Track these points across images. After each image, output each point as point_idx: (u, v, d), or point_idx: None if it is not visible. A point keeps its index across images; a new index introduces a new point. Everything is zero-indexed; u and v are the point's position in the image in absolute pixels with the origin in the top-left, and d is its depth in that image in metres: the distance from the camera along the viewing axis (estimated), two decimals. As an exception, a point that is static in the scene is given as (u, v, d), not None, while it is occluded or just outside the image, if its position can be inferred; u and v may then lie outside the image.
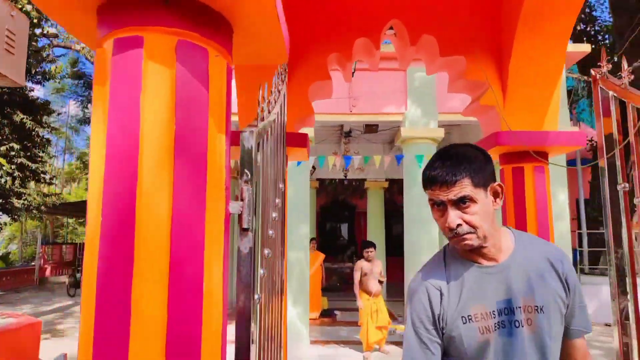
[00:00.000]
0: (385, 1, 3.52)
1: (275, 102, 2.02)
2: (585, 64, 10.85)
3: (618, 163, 2.13)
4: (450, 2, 3.51)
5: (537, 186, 3.42)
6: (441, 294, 1.33)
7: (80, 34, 1.53)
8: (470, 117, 7.78)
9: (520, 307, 1.29)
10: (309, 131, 7.51)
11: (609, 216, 2.16)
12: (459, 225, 1.27)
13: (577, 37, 13.73)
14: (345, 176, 12.13)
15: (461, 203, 1.27)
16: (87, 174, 18.43)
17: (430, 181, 1.31)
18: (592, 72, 2.09)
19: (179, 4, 1.30)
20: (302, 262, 7.39)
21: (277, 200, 2.09)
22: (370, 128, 9.08)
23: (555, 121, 3.49)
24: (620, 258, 2.14)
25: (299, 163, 7.11)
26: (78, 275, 15.25)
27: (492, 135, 3.47)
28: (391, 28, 3.71)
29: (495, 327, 1.28)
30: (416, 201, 7.45)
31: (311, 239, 10.29)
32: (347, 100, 7.71)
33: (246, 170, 1.45)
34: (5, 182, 12.83)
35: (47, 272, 19.23)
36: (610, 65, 2.05)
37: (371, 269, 7.04)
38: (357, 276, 7.07)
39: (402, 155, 7.73)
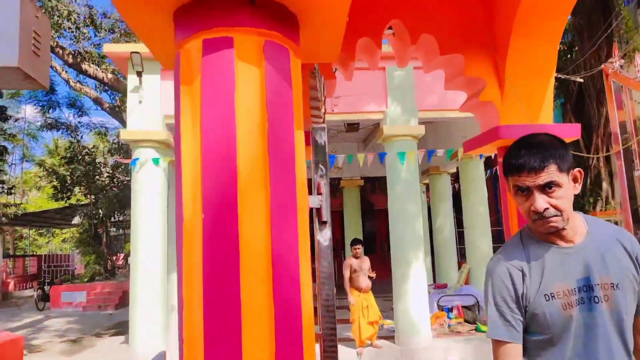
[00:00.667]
0: (386, 2, 3.66)
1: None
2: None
3: (635, 148, 2.33)
4: (448, 2, 3.68)
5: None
6: (523, 274, 1.43)
7: (150, 38, 1.56)
8: (447, 114, 8.07)
9: (598, 284, 1.40)
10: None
11: (625, 199, 2.36)
12: (546, 209, 1.38)
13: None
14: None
15: (547, 188, 1.38)
16: (51, 181, 17.79)
17: (517, 169, 1.41)
18: (604, 66, 2.29)
19: (264, 5, 1.37)
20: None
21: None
22: (352, 127, 9.24)
23: (549, 114, 3.71)
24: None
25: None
26: (47, 288, 14.71)
27: (492, 130, 3.66)
28: (390, 28, 3.86)
29: (576, 302, 1.39)
30: (400, 197, 7.64)
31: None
32: (328, 100, 7.83)
33: (321, 165, 1.53)
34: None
35: (11, 287, 18.43)
36: (623, 61, 2.25)
37: (360, 265, 7.19)
38: (346, 273, 7.20)
39: (384, 153, 7.90)
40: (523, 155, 1.42)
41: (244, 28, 1.35)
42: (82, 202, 17.74)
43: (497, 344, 1.45)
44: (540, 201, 1.39)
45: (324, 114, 1.85)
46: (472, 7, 3.67)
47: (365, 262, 7.27)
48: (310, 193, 1.57)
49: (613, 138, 2.45)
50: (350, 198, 13.80)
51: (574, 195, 1.46)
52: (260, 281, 1.27)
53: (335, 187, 14.73)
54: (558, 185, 1.39)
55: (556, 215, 1.40)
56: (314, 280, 1.95)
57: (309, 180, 2.03)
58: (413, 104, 7.91)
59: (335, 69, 7.44)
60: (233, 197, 1.27)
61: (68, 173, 16.58)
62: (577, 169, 1.46)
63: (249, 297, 1.24)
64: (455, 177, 12.31)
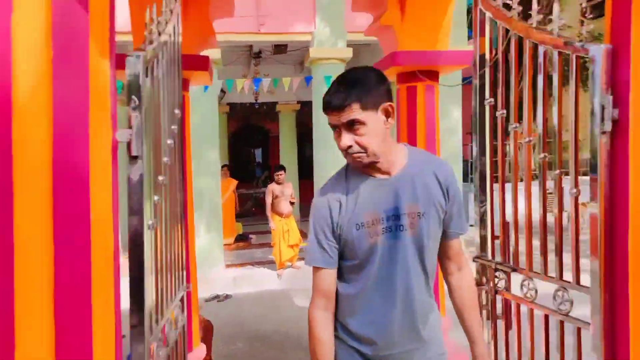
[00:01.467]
0: None
1: (166, 23, 1.99)
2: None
3: (488, 80, 2.39)
4: None
5: (427, 104, 3.69)
6: (340, 205, 1.51)
7: None
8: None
9: (405, 214, 1.50)
10: (215, 53, 7.27)
11: (476, 130, 2.46)
12: (349, 146, 1.43)
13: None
14: (256, 100, 12.00)
15: (351, 125, 1.42)
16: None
17: (325, 106, 1.47)
18: None
19: None
20: (212, 189, 7.44)
21: (172, 127, 2.11)
22: (280, 48, 8.96)
23: (446, 40, 3.72)
24: (483, 165, 2.48)
25: (206, 88, 6.94)
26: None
27: (388, 56, 3.64)
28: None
29: (383, 231, 1.49)
30: (324, 123, 7.57)
31: (223, 166, 10.28)
32: (255, 18, 7.49)
33: (133, 97, 1.46)
34: None
35: None
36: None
37: (282, 191, 7.30)
38: (268, 199, 7.31)
39: (311, 76, 7.79)
40: (330, 94, 1.46)
41: None
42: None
43: (315, 270, 1.57)
44: (345, 139, 1.45)
45: (155, 37, 1.75)
46: None
47: (288, 188, 7.38)
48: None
49: (472, 70, 2.51)
50: (286, 123, 13.70)
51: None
52: (38, 222, 1.23)
53: (272, 111, 14.54)
54: (361, 122, 1.42)
55: (360, 152, 1.45)
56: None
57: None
58: (342, 26, 7.72)
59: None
60: (7, 131, 1.20)
61: None
62: (388, 103, 1.47)
63: (23, 239, 1.21)
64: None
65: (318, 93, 7.72)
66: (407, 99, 3.71)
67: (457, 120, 8.78)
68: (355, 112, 1.41)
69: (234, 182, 10.49)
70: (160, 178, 1.84)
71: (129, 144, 1.49)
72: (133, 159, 1.51)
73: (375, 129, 1.45)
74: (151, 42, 1.72)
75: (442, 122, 7.50)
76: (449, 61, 3.57)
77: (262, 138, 19.01)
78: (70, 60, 1.29)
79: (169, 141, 2.03)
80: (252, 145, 19.49)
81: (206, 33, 3.43)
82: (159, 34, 1.79)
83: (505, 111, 2.33)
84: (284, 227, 7.23)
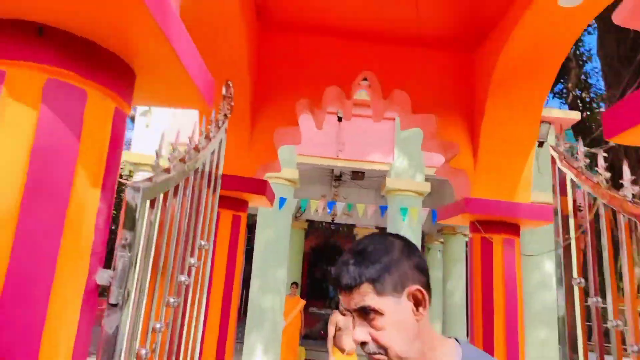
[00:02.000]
0: (359, 51, 3.43)
1: (200, 150, 1.86)
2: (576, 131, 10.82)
3: (574, 254, 1.93)
4: (423, 59, 3.42)
5: (505, 259, 3.22)
6: None
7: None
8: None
9: None
10: (294, 172, 7.38)
11: (565, 298, 1.95)
12: (363, 343, 1.02)
13: (572, 103, 13.80)
14: (333, 220, 11.91)
15: (366, 314, 1.01)
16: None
17: (333, 284, 1.06)
18: (551, 150, 1.94)
19: (56, 36, 1.16)
20: (276, 308, 7.07)
21: (192, 260, 1.88)
22: (357, 174, 8.95)
23: (527, 192, 3.32)
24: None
25: (281, 205, 6.93)
26: None
27: (461, 201, 3.30)
28: (366, 79, 3.62)
29: None
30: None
31: (292, 283, 9.94)
32: (334, 144, 7.62)
33: (126, 233, 1.26)
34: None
35: None
36: (568, 145, 1.90)
37: (346, 323, 6.71)
38: (331, 330, 6.72)
39: (386, 206, 7.55)
40: (340, 267, 1.06)
41: (24, 62, 1.14)
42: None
43: None
44: (357, 332, 1.02)
45: (176, 164, 1.59)
46: (449, 66, 3.39)
47: (351, 320, 6.78)
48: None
49: (554, 234, 2.08)
50: (363, 246, 13.31)
51: None
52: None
53: (350, 232, 14.35)
54: (377, 312, 1.01)
55: (378, 353, 1.01)
56: None
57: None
58: (420, 159, 7.56)
59: (340, 117, 7.26)
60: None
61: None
62: (416, 287, 1.03)
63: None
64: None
65: (393, 223, 7.39)
66: (482, 251, 3.26)
67: (550, 274, 7.84)
68: (368, 296, 1.00)
69: (302, 302, 10.02)
70: (158, 325, 1.56)
71: (108, 289, 1.24)
72: (111, 306, 1.25)
73: (400, 321, 1.02)
74: (168, 171, 1.55)
75: (532, 275, 6.71)
76: (531, 215, 3.14)
77: (339, 257, 18.61)
78: (46, 187, 1.12)
79: (182, 278, 1.77)
80: (329, 263, 19.12)
81: (269, 158, 3.36)
82: (184, 161, 1.63)
83: (599, 299, 1.83)
84: (344, 365, 6.53)
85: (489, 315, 3.22)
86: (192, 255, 1.84)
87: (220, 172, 2.15)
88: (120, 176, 16.02)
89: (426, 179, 7.52)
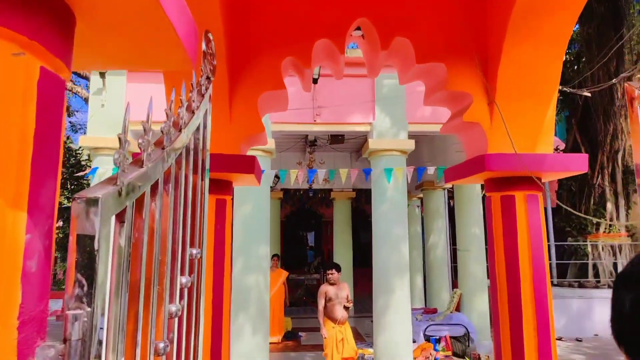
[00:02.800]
0: (351, -4, 2.91)
1: (182, 128, 1.33)
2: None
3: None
4: (428, 0, 2.93)
5: (530, 217, 2.87)
6: None
7: None
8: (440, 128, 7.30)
9: None
10: (269, 142, 6.85)
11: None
12: None
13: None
14: (311, 188, 11.50)
15: None
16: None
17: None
18: (627, 86, 1.54)
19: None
20: (260, 286, 6.68)
21: (183, 280, 1.36)
22: (336, 138, 8.49)
23: (550, 141, 2.95)
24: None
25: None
26: None
27: (477, 159, 2.90)
28: (358, 29, 3.12)
29: None
30: (384, 218, 6.88)
31: (273, 256, 9.58)
32: (311, 109, 7.09)
33: (80, 277, 0.76)
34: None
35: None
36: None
37: (336, 293, 6.41)
38: (321, 302, 6.42)
39: (370, 169, 7.15)
40: None
41: None
42: (65, 205, 17.00)
43: None
44: None
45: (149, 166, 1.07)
46: (459, 7, 2.91)
47: (343, 290, 6.48)
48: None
49: (636, 170, 1.74)
50: (341, 209, 13.00)
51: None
52: None
53: (326, 198, 14.01)
54: None
55: None
56: None
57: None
58: (403, 116, 7.16)
59: (318, 77, 6.72)
60: None
61: (52, 174, 15.81)
62: None
63: None
64: (452, 193, 11.54)
65: (378, 186, 7.02)
66: (502, 211, 2.90)
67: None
68: None
69: (285, 274, 9.71)
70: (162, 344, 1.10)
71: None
72: None
73: None
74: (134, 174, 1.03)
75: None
76: (559, 167, 2.77)
77: (315, 222, 18.36)
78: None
79: (173, 308, 1.27)
80: (305, 229, 18.84)
81: (254, 129, 2.85)
82: (163, 144, 1.12)
83: None
84: (337, 335, 6.26)
85: (514, 281, 2.90)
86: (182, 273, 1.34)
87: (208, 155, 1.63)
88: (76, 166, 14.99)
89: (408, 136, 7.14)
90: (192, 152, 1.37)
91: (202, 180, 1.53)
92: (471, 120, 2.92)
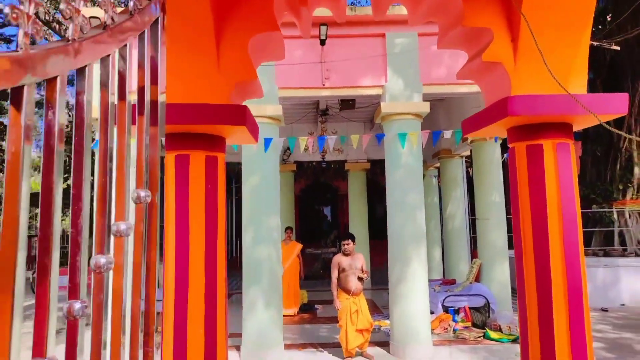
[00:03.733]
0: None
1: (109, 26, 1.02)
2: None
3: None
4: None
5: (561, 169, 2.51)
6: None
7: None
8: (457, 89, 6.84)
9: None
10: (277, 109, 6.52)
11: None
12: None
13: None
14: (323, 158, 11.15)
15: None
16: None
17: None
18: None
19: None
20: (272, 258, 6.45)
21: (122, 227, 1.05)
22: (347, 103, 8.10)
23: (582, 82, 2.56)
24: None
25: (266, 147, 6.13)
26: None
27: (499, 103, 2.53)
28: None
29: None
30: (399, 184, 6.53)
31: (286, 228, 9.35)
32: (319, 72, 6.70)
33: None
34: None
35: None
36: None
37: (350, 264, 6.15)
38: (334, 273, 6.18)
39: (382, 134, 6.77)
40: None
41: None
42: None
43: None
44: None
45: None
46: None
47: (357, 260, 6.21)
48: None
49: None
50: (356, 181, 12.66)
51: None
52: None
53: (340, 170, 13.67)
54: None
55: None
56: None
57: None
58: (417, 77, 6.72)
59: (325, 38, 6.31)
60: None
61: (67, 153, 15.88)
62: None
63: None
64: (471, 161, 11.08)
65: (391, 152, 6.66)
66: (529, 162, 2.54)
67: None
68: None
69: (299, 246, 9.48)
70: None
71: None
72: None
73: None
74: None
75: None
76: (595, 107, 2.38)
77: (330, 196, 18.09)
78: None
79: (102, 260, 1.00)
80: (320, 203, 18.60)
81: (245, 76, 2.52)
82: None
83: None
84: (351, 307, 6.02)
85: (542, 243, 2.55)
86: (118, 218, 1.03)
87: (162, 74, 1.29)
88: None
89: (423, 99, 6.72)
90: (126, 65, 1.05)
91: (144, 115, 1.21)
92: (491, 60, 2.53)
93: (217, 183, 2.59)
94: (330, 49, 6.62)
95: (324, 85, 6.70)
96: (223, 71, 2.52)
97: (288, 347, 6.69)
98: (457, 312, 7.45)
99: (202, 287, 2.48)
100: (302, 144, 6.67)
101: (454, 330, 7.06)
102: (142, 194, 1.11)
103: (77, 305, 0.80)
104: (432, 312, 7.26)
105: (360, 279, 6.10)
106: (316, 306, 9.27)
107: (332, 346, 6.65)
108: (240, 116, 2.46)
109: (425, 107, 6.61)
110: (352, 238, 6.33)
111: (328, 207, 18.95)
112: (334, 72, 6.71)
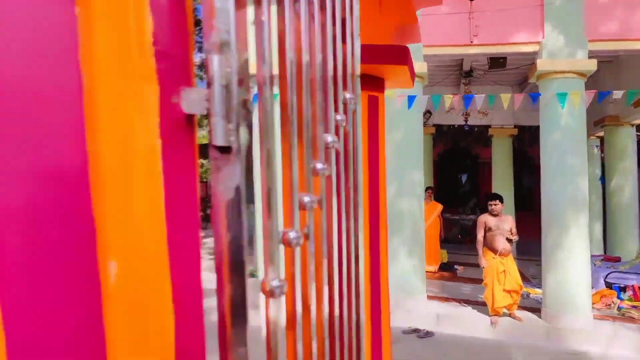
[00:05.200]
0: None
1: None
2: None
3: None
4: None
5: None
6: None
7: None
8: (631, 45, 5.83)
9: None
10: (420, 66, 6.31)
11: None
12: None
13: None
14: (466, 121, 10.50)
15: None
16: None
17: None
18: None
19: None
20: (415, 212, 6.39)
21: (338, 117, 1.07)
22: (497, 62, 7.48)
23: None
24: None
25: (410, 104, 6.00)
26: (207, 211, 15.85)
27: None
28: None
29: None
30: (557, 148, 5.87)
31: (427, 188, 9.13)
32: (467, 28, 6.26)
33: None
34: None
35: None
36: None
37: (497, 224, 5.81)
38: (480, 232, 5.90)
39: (538, 93, 6.13)
40: None
41: None
42: None
43: None
44: None
45: None
46: None
47: (506, 222, 5.83)
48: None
49: None
50: (501, 148, 11.65)
51: None
52: None
53: (483, 135, 12.80)
54: None
55: None
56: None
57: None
58: (581, 33, 5.88)
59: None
60: None
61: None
62: None
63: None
64: (642, 129, 9.50)
65: (547, 113, 6.00)
66: None
67: None
68: None
69: (439, 207, 9.26)
70: (307, 198, 0.84)
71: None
72: (221, 152, 0.53)
73: None
74: None
75: None
76: None
77: (470, 163, 17.13)
78: None
79: (329, 139, 0.99)
80: (459, 170, 17.75)
81: (405, 19, 2.45)
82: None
83: None
84: (498, 267, 5.71)
85: None
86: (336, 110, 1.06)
87: None
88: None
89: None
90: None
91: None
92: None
93: (378, 124, 2.60)
94: (480, 2, 6.13)
95: (471, 42, 6.26)
96: (384, 15, 2.49)
97: (430, 297, 6.66)
98: (622, 289, 6.61)
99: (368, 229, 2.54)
100: (447, 101, 6.39)
101: (619, 308, 6.28)
102: (348, 96, 1.11)
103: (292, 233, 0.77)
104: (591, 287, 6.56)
105: (509, 240, 5.74)
106: (456, 266, 9.03)
107: (476, 303, 6.44)
108: (403, 56, 2.41)
109: (591, 65, 5.80)
110: (500, 199, 5.96)
111: (466, 173, 18.00)
112: (483, 28, 6.22)
